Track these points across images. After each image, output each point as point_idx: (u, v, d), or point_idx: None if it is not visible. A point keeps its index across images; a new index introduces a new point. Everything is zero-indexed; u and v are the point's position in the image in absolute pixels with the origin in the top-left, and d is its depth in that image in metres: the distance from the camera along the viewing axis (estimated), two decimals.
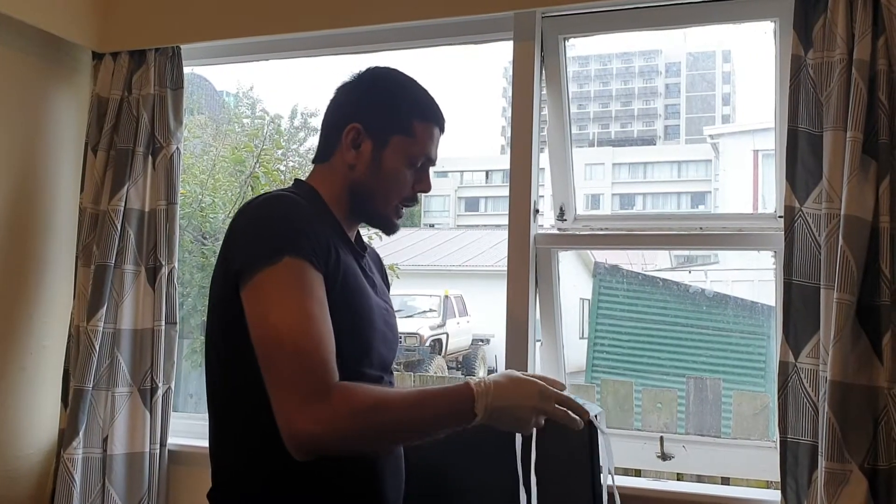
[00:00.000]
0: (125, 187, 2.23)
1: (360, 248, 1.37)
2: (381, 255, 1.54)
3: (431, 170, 1.37)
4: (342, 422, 1.05)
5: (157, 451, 2.20)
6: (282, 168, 6.38)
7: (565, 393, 1.22)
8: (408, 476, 1.35)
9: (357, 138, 1.29)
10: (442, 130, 1.36)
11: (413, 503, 1.36)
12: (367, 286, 1.29)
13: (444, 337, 10.23)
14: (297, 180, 1.35)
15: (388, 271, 1.56)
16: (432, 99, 1.36)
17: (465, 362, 10.82)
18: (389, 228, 1.36)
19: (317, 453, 1.07)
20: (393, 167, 1.29)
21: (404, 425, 1.11)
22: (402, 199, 1.33)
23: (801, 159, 1.66)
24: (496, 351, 10.57)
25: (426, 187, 1.34)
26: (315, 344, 1.07)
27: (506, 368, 1.99)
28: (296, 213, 1.17)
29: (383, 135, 1.29)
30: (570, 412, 1.18)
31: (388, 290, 1.48)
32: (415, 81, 1.37)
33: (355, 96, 1.33)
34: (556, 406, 1.17)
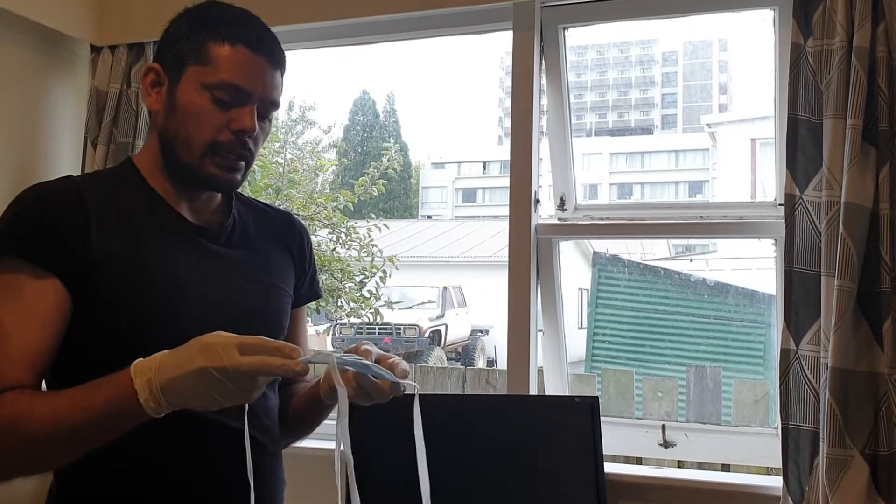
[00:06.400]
0: None
1: (200, 221, 1.14)
2: (299, 224, 1.30)
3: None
4: None
5: None
6: (279, 161, 6.37)
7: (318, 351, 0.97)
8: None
9: (156, 79, 1.10)
10: (255, 49, 1.08)
11: None
12: (190, 265, 1.09)
13: (443, 328, 10.27)
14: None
15: (313, 244, 1.33)
16: (242, 16, 1.11)
17: (464, 353, 10.87)
18: (209, 182, 1.09)
19: None
20: (188, 101, 1.06)
21: (51, 438, 0.91)
22: (214, 143, 1.06)
23: (801, 147, 1.66)
24: (495, 342, 10.61)
25: (243, 124, 1.06)
26: None
27: (508, 361, 1.98)
28: (18, 209, 1.03)
29: (178, 67, 1.08)
30: (270, 358, 0.86)
31: (306, 264, 1.27)
32: (226, 4, 1.13)
33: (161, 37, 1.15)
34: (243, 357, 0.86)
